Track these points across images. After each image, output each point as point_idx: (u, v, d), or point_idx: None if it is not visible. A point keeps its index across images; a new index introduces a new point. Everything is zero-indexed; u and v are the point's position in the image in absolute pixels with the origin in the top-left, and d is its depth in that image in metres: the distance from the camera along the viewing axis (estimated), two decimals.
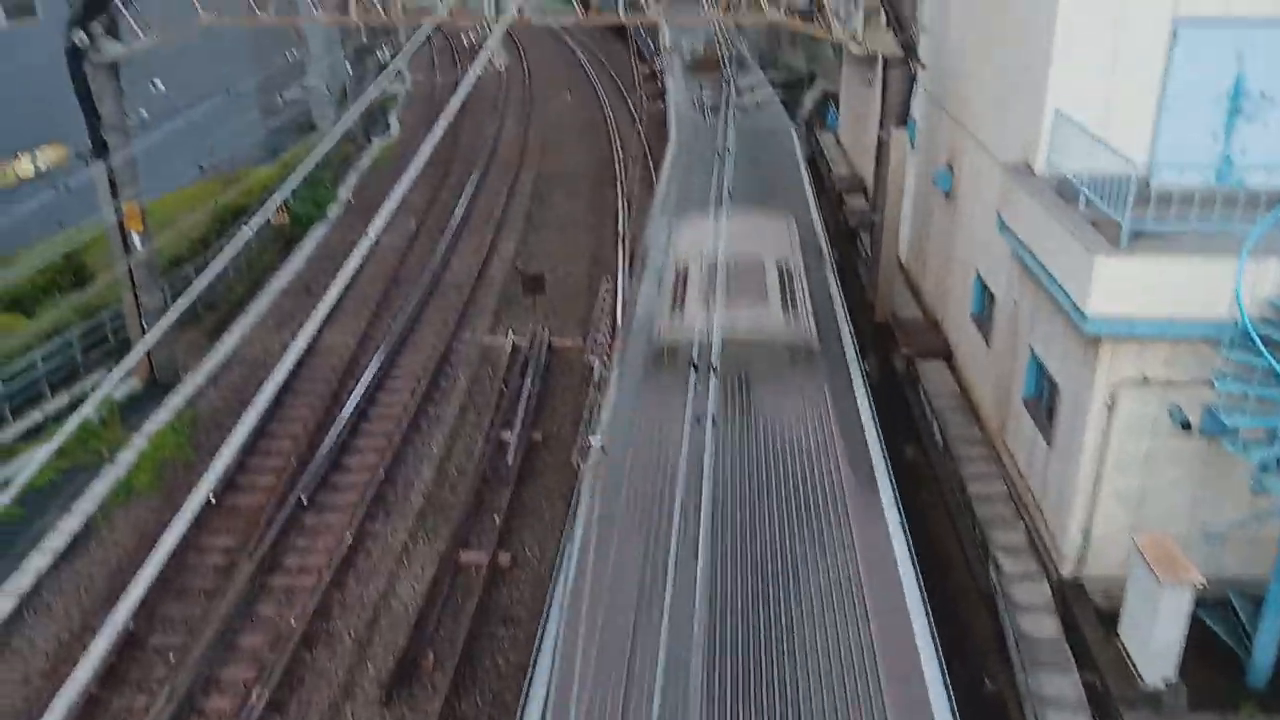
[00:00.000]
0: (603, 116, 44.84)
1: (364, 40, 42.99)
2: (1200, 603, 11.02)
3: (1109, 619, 11.83)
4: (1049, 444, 13.39)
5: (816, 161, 31.11)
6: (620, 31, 56.26)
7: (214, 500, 17.43)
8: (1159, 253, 11.39)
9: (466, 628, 14.66)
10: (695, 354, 11.20)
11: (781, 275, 13.69)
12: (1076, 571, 12.74)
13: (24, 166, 29.27)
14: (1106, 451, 12.11)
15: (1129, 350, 11.70)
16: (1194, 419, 11.56)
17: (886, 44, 18.73)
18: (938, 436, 16.38)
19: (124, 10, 19.31)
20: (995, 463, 15.19)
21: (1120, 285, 11.26)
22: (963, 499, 14.71)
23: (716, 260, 13.46)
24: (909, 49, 18.47)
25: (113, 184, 20.45)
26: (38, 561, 16.15)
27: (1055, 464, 13.16)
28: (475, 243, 29.86)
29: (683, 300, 13.16)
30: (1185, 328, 11.32)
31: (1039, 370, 13.93)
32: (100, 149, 20.22)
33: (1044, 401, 13.79)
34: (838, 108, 33.23)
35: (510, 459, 18.58)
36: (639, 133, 38.54)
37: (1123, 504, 12.31)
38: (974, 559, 14.02)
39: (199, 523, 16.87)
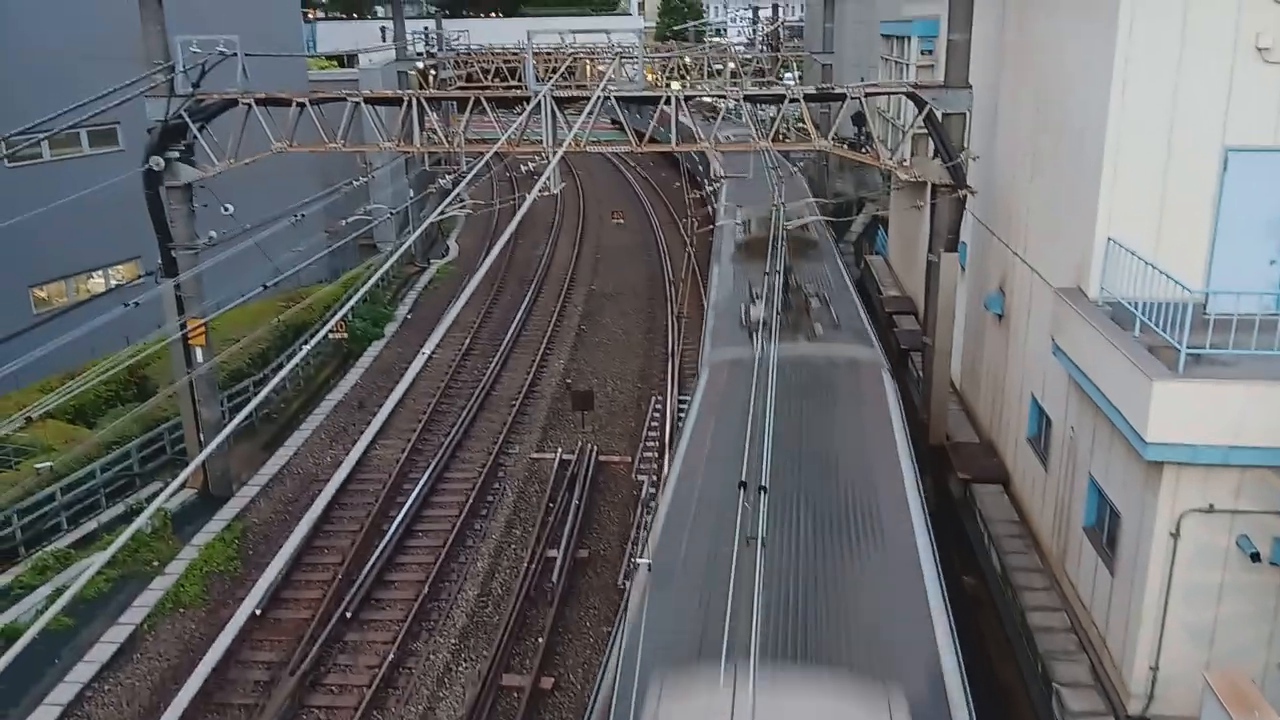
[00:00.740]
0: (654, 238, 45.77)
1: (426, 167, 44.69)
2: None
3: None
4: (1112, 574, 12.93)
5: (866, 284, 31.30)
6: (673, 158, 57.81)
7: (259, 613, 17.39)
8: (1219, 378, 11.18)
9: None
10: None
11: None
12: (1145, 709, 12.11)
13: (95, 283, 30.50)
14: (1173, 583, 11.66)
15: (1193, 477, 11.37)
16: (1265, 550, 11.13)
17: (935, 171, 19.01)
18: (996, 564, 15.91)
19: (199, 137, 20.32)
20: (1056, 592, 14.68)
21: (1180, 411, 11.03)
22: (1023, 630, 14.18)
23: None
24: (958, 176, 18.73)
25: (179, 301, 21.17)
26: (82, 672, 16.12)
27: (1119, 595, 12.67)
28: (526, 358, 30.23)
29: None
30: (1249, 454, 11.01)
31: (1099, 497, 13.57)
32: (170, 267, 21.02)
33: (1105, 530, 13.38)
34: (886, 232, 33.59)
35: (555, 577, 18.36)
36: (689, 254, 39.18)
37: (1193, 639, 11.77)
38: (1036, 693, 13.42)
39: (243, 636, 16.79)
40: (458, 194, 34.25)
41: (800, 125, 21.23)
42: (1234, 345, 11.44)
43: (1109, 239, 13.47)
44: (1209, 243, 13.55)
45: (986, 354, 19.92)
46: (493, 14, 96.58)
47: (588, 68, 50.15)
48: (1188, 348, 11.17)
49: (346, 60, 54.03)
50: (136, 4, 19.91)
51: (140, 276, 23.65)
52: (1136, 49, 13.07)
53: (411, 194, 42.78)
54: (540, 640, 16.79)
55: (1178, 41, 12.96)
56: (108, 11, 28.42)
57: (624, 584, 17.73)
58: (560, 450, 23.63)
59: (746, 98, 20.92)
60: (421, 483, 21.89)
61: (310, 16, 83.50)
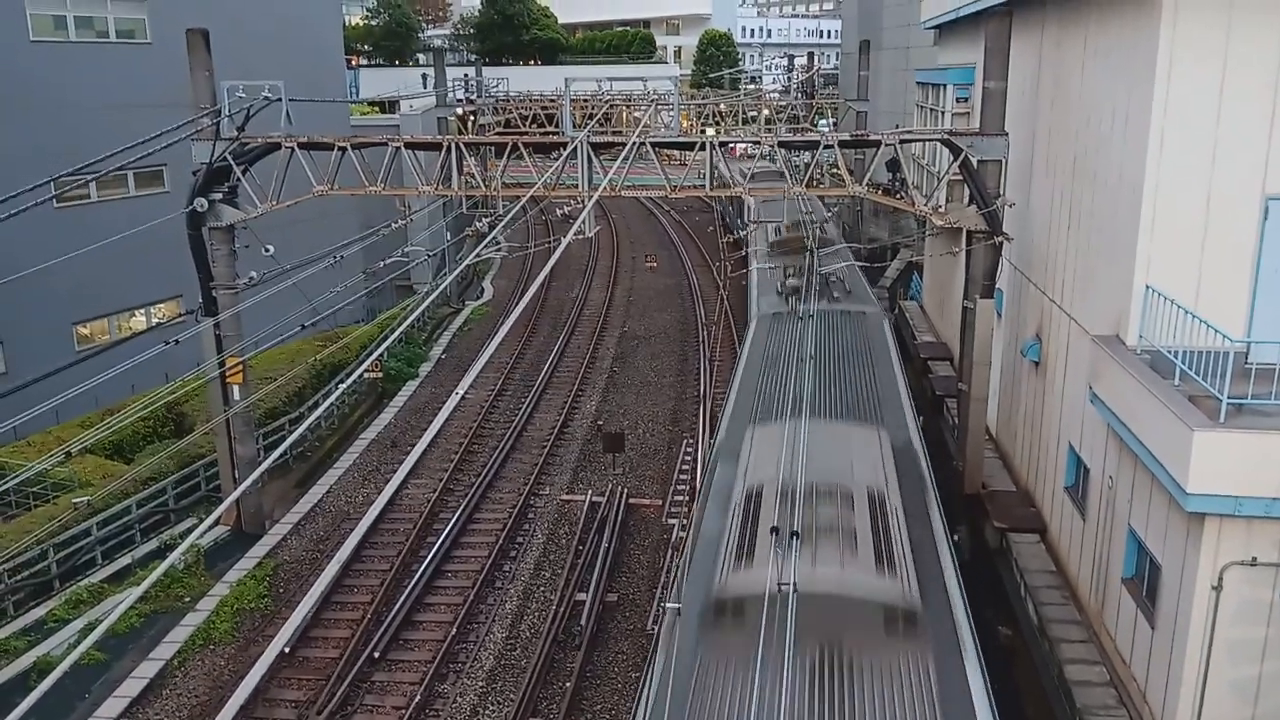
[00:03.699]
0: (686, 281, 45.93)
1: (463, 210, 45.28)
2: None
3: None
4: (1152, 628, 12.63)
5: (900, 330, 31.12)
6: (707, 203, 58.21)
7: (288, 651, 17.40)
8: (1262, 429, 10.97)
9: None
10: None
11: None
12: None
13: (136, 321, 31.05)
14: (1215, 638, 11.36)
15: (1235, 530, 11.12)
16: None
17: (970, 217, 18.96)
18: (1033, 615, 15.61)
19: (242, 179, 20.74)
20: (1094, 645, 14.35)
21: (1222, 462, 10.82)
22: (1060, 683, 13.86)
23: None
24: (993, 222, 18.66)
25: (218, 339, 21.48)
26: (112, 707, 16.17)
27: (1160, 650, 12.36)
28: (558, 399, 30.29)
29: None
30: None
31: (1138, 548, 13.30)
32: (210, 306, 21.36)
33: (1145, 582, 13.09)
34: (921, 277, 33.48)
35: (584, 621, 18.23)
36: (722, 297, 39.24)
37: (1236, 695, 11.44)
38: None
39: (272, 674, 16.80)
40: (494, 237, 34.59)
41: (835, 171, 21.27)
42: (1276, 396, 11.23)
43: (1148, 287, 13.34)
44: (1250, 291, 13.35)
45: (1023, 401, 19.69)
46: (531, 62, 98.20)
47: (624, 114, 50.76)
48: (1229, 397, 10.98)
49: (388, 106, 55.01)
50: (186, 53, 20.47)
51: (181, 315, 24.05)
52: (1175, 99, 13.02)
53: (448, 237, 43.33)
54: (568, 685, 16.64)
55: (1217, 92, 12.89)
56: (157, 61, 29.28)
57: (653, 629, 17.56)
58: (591, 492, 23.58)
59: (781, 143, 21.01)
60: (452, 523, 21.90)
61: (353, 63, 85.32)
